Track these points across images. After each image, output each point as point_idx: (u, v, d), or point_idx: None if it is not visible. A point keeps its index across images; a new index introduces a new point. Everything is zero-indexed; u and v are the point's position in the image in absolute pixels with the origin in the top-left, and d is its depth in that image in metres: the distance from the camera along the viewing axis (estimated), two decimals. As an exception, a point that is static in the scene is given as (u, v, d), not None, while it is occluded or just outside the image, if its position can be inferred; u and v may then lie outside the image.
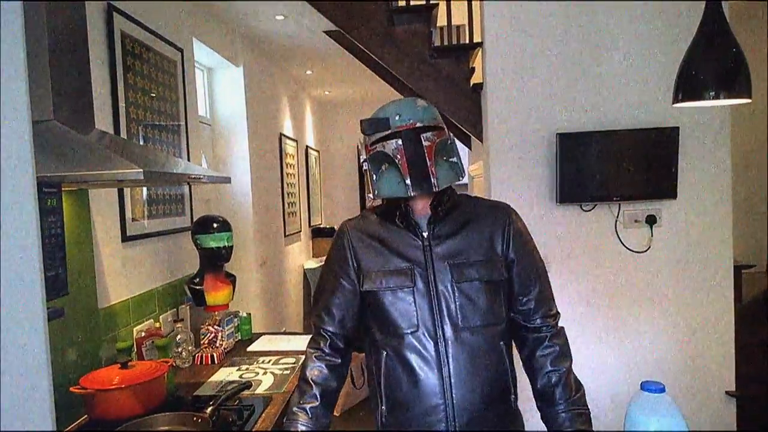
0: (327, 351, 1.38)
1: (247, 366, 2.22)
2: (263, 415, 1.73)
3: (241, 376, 2.09)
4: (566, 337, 1.37)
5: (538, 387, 1.33)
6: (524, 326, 1.36)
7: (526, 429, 1.40)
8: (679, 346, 2.56)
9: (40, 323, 0.72)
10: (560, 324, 1.38)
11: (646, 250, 2.56)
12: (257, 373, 2.12)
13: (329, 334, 1.38)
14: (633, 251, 2.57)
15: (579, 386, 1.33)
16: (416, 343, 1.27)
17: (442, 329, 1.27)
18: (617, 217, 2.57)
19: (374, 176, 1.31)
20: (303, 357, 2.26)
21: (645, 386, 1.21)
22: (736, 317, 2.57)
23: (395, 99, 1.37)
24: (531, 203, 2.58)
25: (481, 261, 1.30)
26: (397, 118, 1.28)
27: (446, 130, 1.32)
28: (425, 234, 1.32)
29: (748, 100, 1.69)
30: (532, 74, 2.56)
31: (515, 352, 1.40)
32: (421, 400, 1.26)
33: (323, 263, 1.46)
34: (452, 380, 1.25)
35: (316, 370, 1.36)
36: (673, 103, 1.76)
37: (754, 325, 2.99)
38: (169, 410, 1.67)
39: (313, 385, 1.34)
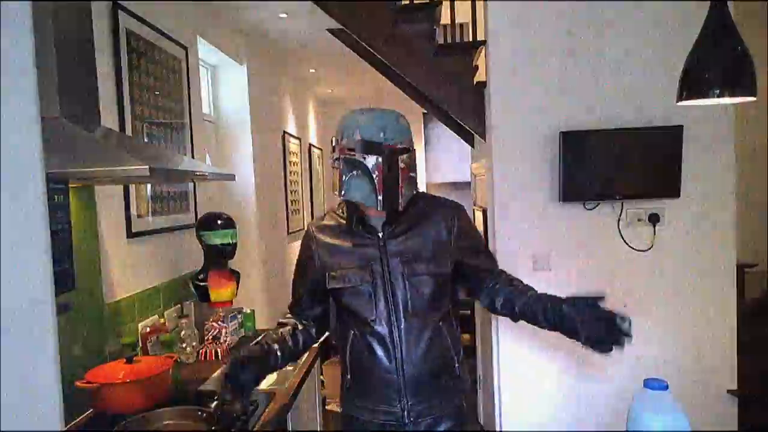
0: (297, 320, 1.63)
1: (251, 362, 2.23)
2: (266, 410, 1.75)
3: (244, 372, 2.10)
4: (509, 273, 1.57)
5: (518, 309, 1.46)
6: (482, 288, 1.54)
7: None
8: (682, 345, 2.57)
9: (50, 318, 0.73)
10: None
11: (648, 249, 2.57)
12: (261, 370, 2.13)
13: (299, 313, 1.63)
14: (636, 250, 2.57)
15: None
16: (375, 329, 1.47)
17: (396, 317, 1.46)
18: (620, 215, 2.57)
19: (344, 177, 1.43)
20: (305, 354, 2.28)
21: (648, 384, 1.22)
22: (738, 316, 2.57)
23: (376, 109, 1.46)
24: (534, 201, 2.58)
25: (429, 257, 1.48)
26: (381, 135, 1.39)
27: (413, 148, 1.47)
28: (380, 234, 1.49)
29: (753, 99, 1.69)
30: (536, 72, 2.56)
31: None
32: (379, 375, 1.48)
33: (298, 258, 1.63)
34: (403, 359, 1.46)
35: (289, 325, 1.61)
36: (677, 102, 1.76)
37: (757, 323, 2.99)
38: (173, 405, 1.68)
39: (281, 327, 1.59)
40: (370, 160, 1.38)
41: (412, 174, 1.46)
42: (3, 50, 0.67)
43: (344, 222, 1.52)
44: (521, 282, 1.54)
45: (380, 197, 1.40)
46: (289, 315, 1.66)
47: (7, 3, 0.67)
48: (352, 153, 1.40)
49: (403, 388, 1.47)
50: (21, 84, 0.70)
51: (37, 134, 0.72)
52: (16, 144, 0.69)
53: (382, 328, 1.46)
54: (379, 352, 1.47)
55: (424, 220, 1.51)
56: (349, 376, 1.55)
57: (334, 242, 1.52)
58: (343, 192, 1.44)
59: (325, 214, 1.60)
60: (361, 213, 1.49)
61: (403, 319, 1.46)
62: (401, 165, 1.41)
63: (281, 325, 1.63)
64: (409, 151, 1.44)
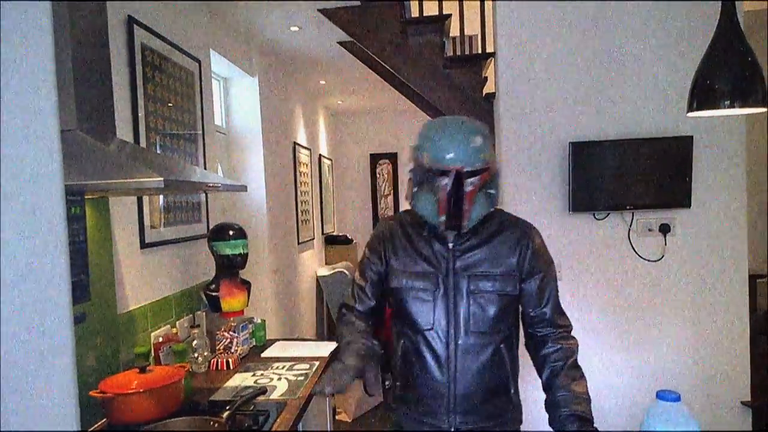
0: (358, 315, 1.53)
1: (262, 372, 2.24)
2: (278, 420, 1.75)
3: (255, 382, 2.11)
4: (575, 341, 1.47)
5: (543, 379, 1.44)
6: (534, 334, 1.49)
7: (530, 419, 1.57)
8: (694, 356, 2.54)
9: (67, 329, 0.74)
10: (573, 333, 1.49)
11: (659, 259, 2.55)
12: (271, 379, 2.14)
13: (358, 312, 1.53)
14: (646, 260, 2.56)
15: (581, 376, 1.42)
16: (430, 340, 1.42)
17: (454, 332, 1.41)
18: (630, 225, 2.56)
19: (414, 188, 1.42)
20: (317, 362, 2.29)
21: (661, 395, 1.21)
22: (750, 326, 2.55)
23: (454, 123, 1.38)
24: (543, 212, 2.58)
25: (497, 274, 1.43)
26: (449, 156, 1.32)
27: (494, 164, 1.38)
28: (451, 245, 1.44)
29: (764, 110, 1.68)
30: (545, 83, 2.57)
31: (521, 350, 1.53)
32: (428, 388, 1.43)
33: (365, 249, 1.57)
34: (457, 376, 1.41)
35: (354, 317, 1.51)
36: (687, 113, 1.76)
37: (771, 335, 2.96)
38: (185, 415, 1.69)
39: (359, 323, 1.49)
40: (436, 181, 1.34)
41: (489, 191, 1.40)
42: (24, 64, 0.69)
43: (416, 225, 1.49)
44: (566, 354, 1.43)
45: (442, 218, 1.36)
46: (345, 310, 1.56)
47: (27, 17, 0.69)
48: (421, 168, 1.37)
49: (452, 404, 1.42)
50: (42, 98, 0.72)
51: (57, 147, 0.73)
52: (36, 157, 0.71)
53: (438, 340, 1.41)
54: (432, 363, 1.42)
55: (496, 238, 1.45)
56: (398, 383, 1.51)
57: (404, 242, 1.48)
58: (412, 202, 1.43)
59: (398, 214, 1.59)
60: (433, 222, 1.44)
61: (462, 335, 1.41)
62: (469, 188, 1.33)
63: (349, 323, 1.50)
64: (483, 171, 1.35)
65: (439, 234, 1.44)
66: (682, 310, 2.55)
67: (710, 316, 2.54)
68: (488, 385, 1.42)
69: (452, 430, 1.43)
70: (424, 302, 1.42)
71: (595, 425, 1.35)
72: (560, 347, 1.43)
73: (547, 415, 1.41)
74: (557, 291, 1.50)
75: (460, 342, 1.40)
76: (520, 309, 1.49)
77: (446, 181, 1.33)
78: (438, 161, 1.33)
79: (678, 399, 1.20)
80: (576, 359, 1.44)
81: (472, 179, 1.33)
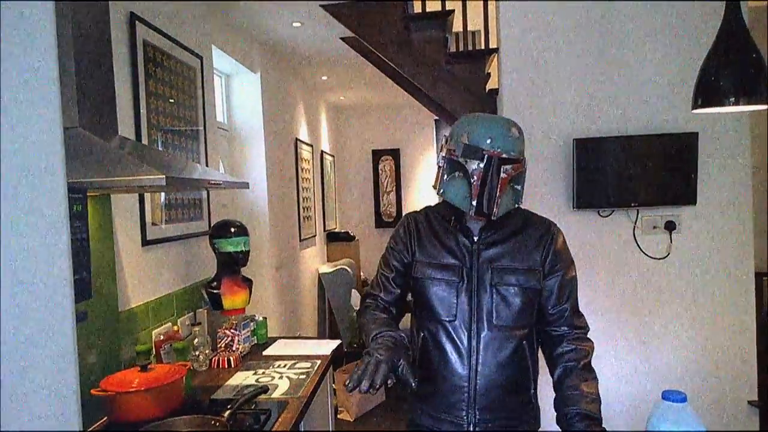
0: (381, 306, 1.55)
1: (263, 370, 2.23)
2: (279, 419, 1.74)
3: (257, 380, 2.10)
4: (591, 344, 1.48)
5: (555, 378, 1.45)
6: (550, 332, 1.49)
7: (542, 421, 1.54)
8: (700, 355, 2.53)
9: (69, 327, 0.74)
10: (588, 336, 1.50)
11: (665, 257, 2.54)
12: (273, 378, 2.13)
13: (382, 300, 1.55)
14: (652, 257, 2.54)
15: (593, 378, 1.42)
16: (452, 331, 1.43)
17: (477, 324, 1.42)
18: (635, 223, 2.54)
19: (445, 177, 1.43)
20: (318, 360, 2.28)
21: (666, 396, 1.20)
22: (757, 325, 2.53)
23: (490, 116, 1.46)
24: (547, 209, 2.56)
25: (521, 269, 1.44)
26: (488, 141, 1.36)
27: (524, 160, 1.41)
28: (476, 238, 1.46)
29: (769, 107, 1.67)
30: (549, 79, 2.55)
31: (540, 353, 1.53)
32: (447, 381, 1.43)
33: (389, 241, 1.59)
34: (478, 369, 1.40)
35: (378, 310, 1.52)
36: (692, 110, 1.74)
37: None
38: (187, 413, 1.68)
39: (383, 315, 1.50)
40: (471, 165, 1.36)
41: (516, 186, 1.42)
42: (27, 61, 0.68)
43: (442, 219, 1.51)
44: (580, 355, 1.44)
45: (474, 202, 1.37)
46: (370, 300, 1.57)
47: (30, 14, 0.68)
48: (456, 155, 1.39)
49: (472, 399, 1.41)
50: (45, 95, 0.71)
51: (59, 144, 0.73)
52: (39, 154, 0.70)
53: (461, 332, 1.42)
54: (453, 356, 1.42)
55: (521, 233, 1.48)
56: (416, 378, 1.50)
57: (429, 234, 1.50)
58: (441, 191, 1.44)
59: (423, 208, 1.60)
60: (460, 214, 1.45)
61: (486, 328, 1.41)
62: (503, 175, 1.36)
63: (374, 317, 1.49)
64: (516, 162, 1.38)
65: (464, 227, 1.46)
66: (687, 308, 2.54)
67: (716, 314, 2.53)
68: (509, 381, 1.42)
69: (470, 425, 1.41)
70: (448, 294, 1.43)
71: (603, 426, 1.34)
72: (575, 348, 1.44)
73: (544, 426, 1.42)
74: (577, 292, 1.50)
75: (483, 335, 1.41)
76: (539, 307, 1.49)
77: (482, 165, 1.35)
78: (477, 144, 1.36)
79: (684, 399, 1.19)
80: (590, 361, 1.44)
81: (506, 167, 1.36)
